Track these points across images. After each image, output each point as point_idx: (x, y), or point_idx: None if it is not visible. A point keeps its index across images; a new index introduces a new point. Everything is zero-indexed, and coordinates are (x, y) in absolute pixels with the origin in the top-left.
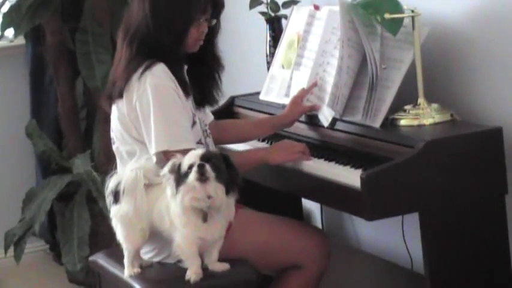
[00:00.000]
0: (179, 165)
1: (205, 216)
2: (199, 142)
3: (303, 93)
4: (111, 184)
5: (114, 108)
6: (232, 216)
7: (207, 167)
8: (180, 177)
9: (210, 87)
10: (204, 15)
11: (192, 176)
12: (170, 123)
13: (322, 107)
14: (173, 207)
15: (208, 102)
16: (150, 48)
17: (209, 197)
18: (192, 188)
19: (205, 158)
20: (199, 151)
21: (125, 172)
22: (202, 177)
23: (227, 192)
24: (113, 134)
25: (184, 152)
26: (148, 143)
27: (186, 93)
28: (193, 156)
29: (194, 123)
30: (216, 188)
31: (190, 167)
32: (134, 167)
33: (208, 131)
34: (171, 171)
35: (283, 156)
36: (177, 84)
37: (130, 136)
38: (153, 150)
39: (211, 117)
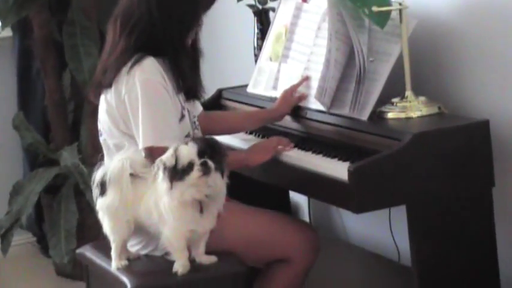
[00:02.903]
0: (175, 162)
1: (201, 208)
2: (187, 135)
3: (294, 88)
4: (97, 175)
5: (102, 100)
6: (221, 206)
7: (209, 163)
8: (176, 173)
9: (195, 79)
10: (207, 11)
11: (196, 173)
12: (157, 120)
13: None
14: (165, 201)
15: (194, 94)
16: (151, 41)
17: (209, 186)
18: (195, 184)
19: (202, 153)
20: (193, 147)
21: (111, 163)
22: (206, 172)
23: (222, 176)
24: (100, 126)
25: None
26: (137, 137)
27: (178, 87)
28: (190, 153)
29: (183, 116)
30: (214, 178)
31: (190, 165)
32: (121, 157)
33: (197, 123)
34: (165, 168)
35: (261, 157)
36: (166, 79)
37: (118, 129)
38: (140, 145)
39: (200, 108)
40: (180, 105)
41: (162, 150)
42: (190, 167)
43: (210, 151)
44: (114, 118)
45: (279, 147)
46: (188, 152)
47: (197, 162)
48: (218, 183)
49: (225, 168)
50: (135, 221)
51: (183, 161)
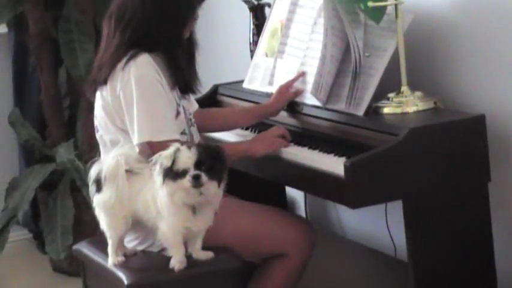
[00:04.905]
0: (172, 163)
1: (194, 209)
2: (183, 132)
3: (289, 83)
4: (92, 172)
5: (98, 96)
6: (217, 207)
7: (203, 176)
8: (171, 172)
9: (191, 73)
10: (201, 4)
11: (187, 182)
12: (153, 114)
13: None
14: (160, 196)
15: (190, 89)
16: (146, 36)
17: (201, 193)
18: (185, 190)
19: (199, 163)
20: (194, 154)
21: (107, 159)
22: (195, 186)
23: (218, 185)
24: (96, 122)
25: (167, 143)
26: (131, 133)
27: (173, 83)
28: (188, 162)
29: (178, 113)
30: (208, 186)
31: (184, 172)
32: (116, 154)
33: (193, 120)
34: (161, 165)
35: (264, 148)
36: (161, 75)
37: (114, 125)
38: (135, 140)
39: (196, 105)
40: (175, 101)
41: (162, 144)
42: (183, 174)
43: (210, 161)
44: (110, 114)
45: (280, 140)
46: (187, 159)
47: (191, 172)
48: (212, 191)
49: (223, 179)
50: (133, 216)
51: (179, 166)
